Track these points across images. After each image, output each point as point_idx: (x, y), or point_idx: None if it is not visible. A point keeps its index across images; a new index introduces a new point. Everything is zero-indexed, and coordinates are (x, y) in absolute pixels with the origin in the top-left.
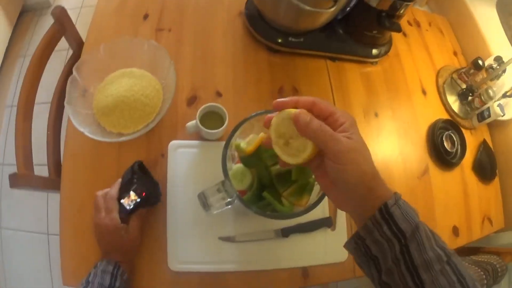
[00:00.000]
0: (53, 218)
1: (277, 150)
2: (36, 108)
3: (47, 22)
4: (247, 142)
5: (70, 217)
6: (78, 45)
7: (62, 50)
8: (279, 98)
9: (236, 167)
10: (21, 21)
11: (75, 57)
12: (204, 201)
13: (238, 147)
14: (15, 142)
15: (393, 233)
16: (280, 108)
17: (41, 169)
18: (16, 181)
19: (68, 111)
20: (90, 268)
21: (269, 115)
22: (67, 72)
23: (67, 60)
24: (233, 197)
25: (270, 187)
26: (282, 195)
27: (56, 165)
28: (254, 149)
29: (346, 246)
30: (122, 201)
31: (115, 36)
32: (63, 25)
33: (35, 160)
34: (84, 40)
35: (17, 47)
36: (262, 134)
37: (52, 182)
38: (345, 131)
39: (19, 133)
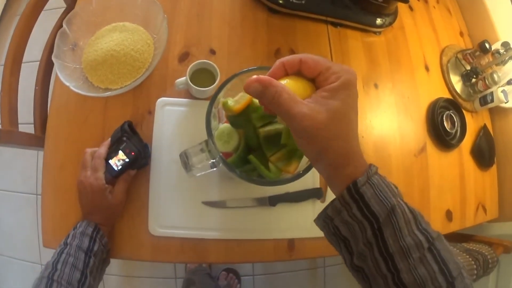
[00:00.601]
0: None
1: None
2: (26, 66)
3: None
4: (235, 100)
5: (52, 175)
6: (72, 0)
7: (58, 8)
8: (275, 60)
9: (222, 127)
10: None
11: (69, 11)
12: (185, 161)
13: (225, 105)
14: (0, 98)
15: (363, 215)
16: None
17: (29, 128)
18: None
19: (55, 65)
20: (69, 229)
21: (251, 79)
22: (59, 27)
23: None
24: (217, 159)
25: (257, 151)
26: (269, 160)
27: (42, 121)
28: (243, 107)
29: (316, 221)
30: (109, 161)
31: None
32: None
33: (24, 119)
34: None
35: (15, 6)
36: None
37: (37, 139)
38: (326, 92)
39: (5, 88)
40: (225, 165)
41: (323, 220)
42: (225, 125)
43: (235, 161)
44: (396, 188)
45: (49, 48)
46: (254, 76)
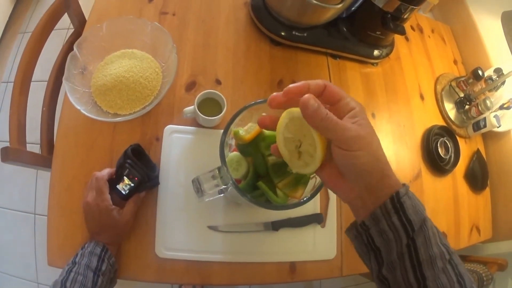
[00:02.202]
0: (40, 198)
1: (287, 159)
2: (31, 85)
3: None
4: (245, 130)
5: (59, 195)
6: (80, 23)
7: (62, 29)
8: (278, 90)
9: (232, 155)
10: None
11: (76, 34)
12: (198, 186)
13: (236, 134)
14: (9, 116)
15: (402, 224)
16: (291, 95)
17: (34, 148)
18: (7, 155)
19: (66, 87)
20: (75, 249)
21: (276, 94)
22: (67, 49)
23: (67, 38)
24: (228, 185)
25: (265, 177)
26: (277, 186)
27: (48, 142)
28: (253, 137)
29: (347, 232)
30: (117, 186)
31: (118, 16)
32: (67, 1)
33: (28, 139)
34: (86, 18)
35: (17, 23)
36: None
37: (44, 159)
38: (355, 117)
39: (14, 107)
40: (237, 190)
41: (356, 229)
42: (234, 153)
43: (244, 187)
44: (423, 205)
45: (57, 70)
46: (308, 94)
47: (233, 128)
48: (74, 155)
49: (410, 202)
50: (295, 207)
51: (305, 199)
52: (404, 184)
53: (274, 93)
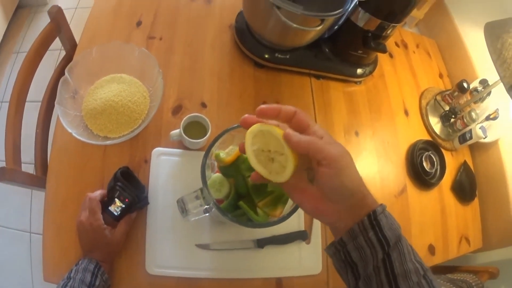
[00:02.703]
0: (35, 217)
1: (255, 163)
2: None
3: (43, 20)
4: (226, 152)
5: (54, 214)
6: (71, 46)
7: (54, 50)
8: None
9: (214, 176)
10: (17, 17)
11: (68, 58)
12: (182, 206)
13: (217, 157)
14: (5, 136)
15: (378, 239)
16: (263, 115)
17: (26, 167)
18: (3, 174)
19: (58, 111)
20: (69, 266)
21: (248, 115)
22: (59, 72)
23: (59, 61)
24: (210, 205)
25: (246, 197)
26: (257, 205)
27: (42, 163)
28: (233, 159)
29: (326, 250)
30: (109, 208)
31: (108, 40)
32: (58, 25)
33: (22, 158)
34: (77, 42)
35: (11, 43)
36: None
37: (38, 180)
38: (329, 143)
39: (10, 127)
40: (218, 210)
41: (335, 247)
42: (217, 175)
43: (226, 207)
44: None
45: (49, 93)
46: (286, 130)
47: (214, 150)
48: (67, 176)
49: (386, 220)
50: (275, 224)
51: (285, 216)
52: (381, 204)
53: (246, 114)
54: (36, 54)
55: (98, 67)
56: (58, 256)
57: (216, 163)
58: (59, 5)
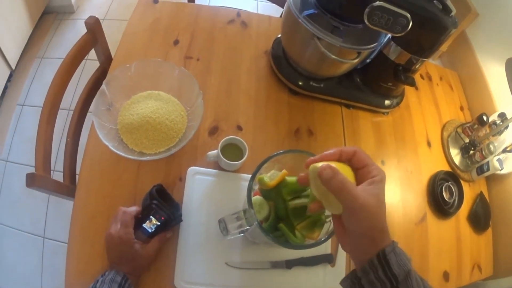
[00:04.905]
0: (51, 223)
1: (318, 195)
2: None
3: (69, 26)
4: (269, 176)
5: (81, 225)
6: (106, 59)
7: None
8: (295, 139)
9: (254, 198)
10: (42, 22)
11: (102, 70)
12: (224, 226)
13: (261, 181)
14: (36, 144)
15: (387, 277)
16: (326, 159)
17: (54, 174)
18: (33, 181)
19: (95, 123)
20: (93, 276)
21: (312, 158)
22: (93, 83)
23: (83, 70)
24: (252, 225)
25: (285, 220)
26: (296, 228)
27: (71, 172)
28: (276, 183)
29: (342, 283)
30: (144, 225)
31: (144, 56)
32: (95, 36)
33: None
34: (112, 55)
35: (35, 48)
36: (284, 171)
37: (67, 188)
38: (372, 184)
39: (41, 135)
40: (262, 231)
41: (351, 280)
42: (257, 197)
43: (266, 228)
44: (410, 258)
45: (82, 103)
46: (325, 163)
47: (257, 175)
48: (98, 188)
49: (395, 258)
50: (313, 247)
51: (322, 239)
52: (393, 241)
53: (311, 157)
54: (71, 63)
55: (135, 83)
56: (84, 265)
57: (256, 186)
58: (86, 13)
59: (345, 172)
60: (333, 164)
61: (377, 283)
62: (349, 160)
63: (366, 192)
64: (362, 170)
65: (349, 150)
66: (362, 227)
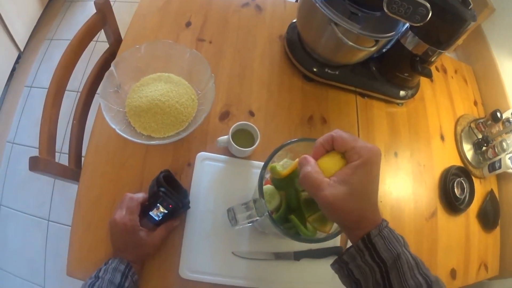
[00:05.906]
0: (56, 206)
1: None
2: None
3: (79, 9)
4: (281, 165)
5: (85, 209)
6: (115, 40)
7: (95, 41)
8: (308, 127)
9: (265, 187)
10: (52, 4)
11: (111, 51)
12: (233, 215)
13: (273, 169)
14: (40, 127)
15: (374, 261)
16: (318, 155)
17: (57, 156)
18: (36, 164)
19: (102, 105)
20: (96, 263)
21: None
22: (101, 65)
23: (93, 52)
24: (262, 216)
25: (296, 211)
26: (307, 220)
27: (77, 155)
28: (289, 173)
29: (331, 266)
30: (150, 212)
31: (154, 38)
32: (104, 17)
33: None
34: (122, 37)
35: (44, 30)
36: (297, 160)
37: (72, 172)
38: (348, 169)
39: (46, 118)
40: (272, 222)
41: (339, 264)
42: (268, 186)
43: (276, 219)
44: (403, 239)
45: (89, 84)
46: (304, 155)
47: (270, 163)
48: (103, 172)
49: (382, 242)
50: (324, 241)
51: (334, 233)
52: (381, 222)
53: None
54: (79, 45)
55: (145, 65)
56: (86, 252)
57: (267, 175)
58: None
59: (333, 162)
60: (326, 156)
61: (364, 267)
62: (331, 146)
63: (338, 182)
64: (346, 155)
65: (326, 138)
66: (335, 219)
